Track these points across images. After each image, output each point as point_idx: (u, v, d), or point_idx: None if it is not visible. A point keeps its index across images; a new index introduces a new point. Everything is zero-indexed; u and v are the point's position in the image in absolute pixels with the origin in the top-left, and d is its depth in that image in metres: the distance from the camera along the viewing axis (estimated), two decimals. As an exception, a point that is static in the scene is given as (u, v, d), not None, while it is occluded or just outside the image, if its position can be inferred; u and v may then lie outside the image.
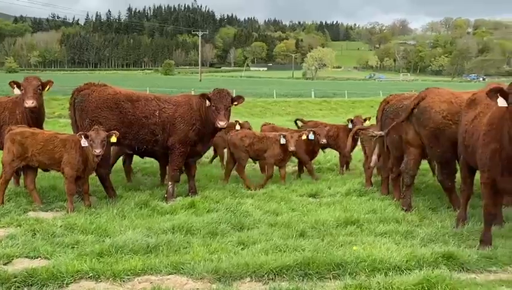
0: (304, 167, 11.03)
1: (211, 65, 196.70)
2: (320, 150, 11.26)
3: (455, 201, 7.76)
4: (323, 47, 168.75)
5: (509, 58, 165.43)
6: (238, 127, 11.43)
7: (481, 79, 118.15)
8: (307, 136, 10.30)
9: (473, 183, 7.35)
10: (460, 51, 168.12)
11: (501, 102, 5.32)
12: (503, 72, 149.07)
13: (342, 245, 6.15)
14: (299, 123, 12.46)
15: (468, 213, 7.23)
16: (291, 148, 9.56)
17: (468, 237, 6.52)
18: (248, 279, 5.26)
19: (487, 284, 5.06)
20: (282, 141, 9.66)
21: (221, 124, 8.36)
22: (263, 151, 9.97)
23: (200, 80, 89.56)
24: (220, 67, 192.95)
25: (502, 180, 5.73)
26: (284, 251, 5.88)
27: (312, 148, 10.77)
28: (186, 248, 6.09)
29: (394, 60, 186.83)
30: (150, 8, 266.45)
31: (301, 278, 5.22)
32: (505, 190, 5.87)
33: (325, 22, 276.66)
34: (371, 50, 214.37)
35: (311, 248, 5.96)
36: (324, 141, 10.45)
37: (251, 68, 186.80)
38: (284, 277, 5.25)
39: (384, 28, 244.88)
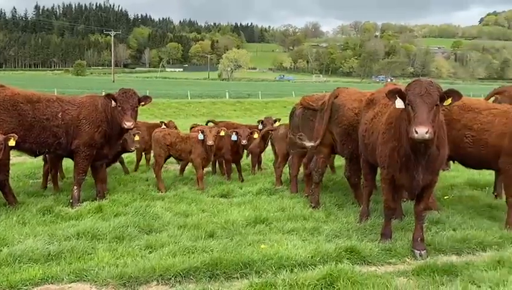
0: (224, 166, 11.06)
1: (125, 66, 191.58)
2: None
3: (360, 197, 8.06)
4: (238, 48, 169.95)
5: (413, 61, 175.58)
6: (163, 127, 11.36)
7: (389, 80, 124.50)
8: (230, 136, 10.32)
9: (375, 179, 7.71)
10: (368, 54, 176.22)
11: (399, 103, 5.59)
12: (407, 74, 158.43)
13: (250, 244, 6.19)
14: (210, 125, 12.44)
15: (370, 208, 7.56)
16: (210, 142, 9.44)
17: (371, 231, 6.79)
18: (154, 283, 5.16)
19: (386, 275, 5.29)
20: (200, 136, 9.54)
21: (128, 124, 8.12)
22: (187, 152, 9.84)
23: (113, 81, 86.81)
24: (135, 68, 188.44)
25: (401, 176, 6.02)
26: (193, 253, 5.83)
27: (236, 150, 10.79)
28: (90, 254, 5.85)
29: (307, 62, 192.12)
30: (59, 6, 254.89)
31: (208, 279, 5.20)
32: (403, 185, 6.17)
33: (240, 24, 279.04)
34: (285, 52, 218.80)
35: (219, 249, 5.95)
36: (245, 141, 10.49)
37: (167, 69, 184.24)
38: (191, 279, 5.20)
39: (297, 30, 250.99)
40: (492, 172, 8.78)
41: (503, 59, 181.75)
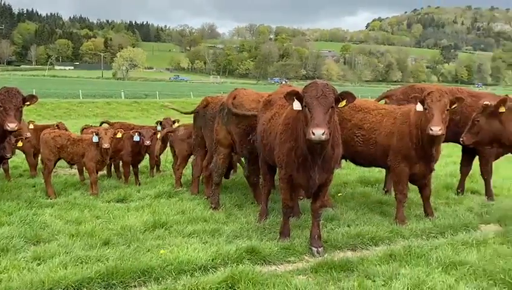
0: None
1: (9, 63, 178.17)
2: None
3: (259, 197, 8.12)
4: (134, 47, 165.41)
5: (305, 63, 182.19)
6: (31, 126, 10.55)
7: (283, 82, 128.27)
8: (131, 137, 9.91)
9: (273, 179, 7.81)
10: (263, 56, 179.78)
11: (296, 105, 5.68)
12: (300, 76, 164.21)
13: (149, 250, 5.98)
14: (105, 126, 11.90)
15: (269, 207, 7.64)
16: (105, 145, 8.98)
17: (270, 230, 6.86)
18: (44, 297, 4.78)
19: (286, 274, 5.36)
20: (95, 139, 9.03)
21: (11, 126, 7.50)
22: (80, 155, 9.26)
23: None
24: (20, 66, 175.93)
25: (298, 175, 6.13)
26: (86, 263, 5.50)
27: (138, 151, 10.38)
28: (-32, 270, 5.31)
29: (204, 63, 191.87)
30: None
31: (104, 289, 4.93)
32: (300, 184, 6.29)
33: (135, 22, 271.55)
34: (182, 52, 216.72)
35: (115, 257, 5.68)
36: (148, 142, 10.13)
37: (56, 67, 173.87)
38: (85, 291, 4.90)
39: (194, 31, 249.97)
40: (382, 169, 9.29)
41: (387, 62, 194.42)
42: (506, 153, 8.52)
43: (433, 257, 5.77)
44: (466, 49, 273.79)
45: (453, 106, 6.91)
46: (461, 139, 7.64)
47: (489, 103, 7.34)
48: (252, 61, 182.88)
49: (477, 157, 9.19)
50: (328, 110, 5.39)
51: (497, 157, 9.27)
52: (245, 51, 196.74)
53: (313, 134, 5.24)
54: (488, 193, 9.08)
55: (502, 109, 6.78)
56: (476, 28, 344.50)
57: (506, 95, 7.53)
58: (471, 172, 9.65)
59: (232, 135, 8.03)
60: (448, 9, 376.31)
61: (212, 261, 5.57)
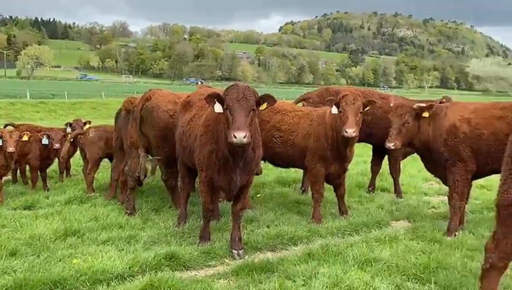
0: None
1: None
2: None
3: (177, 200, 7.94)
4: (39, 44, 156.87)
5: (220, 64, 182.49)
6: None
7: (199, 82, 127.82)
8: (40, 140, 9.30)
9: (193, 182, 7.68)
10: (178, 56, 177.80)
11: (217, 108, 5.61)
12: (216, 77, 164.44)
13: (60, 260, 5.64)
14: (10, 128, 11.12)
15: (188, 211, 7.50)
16: (10, 148, 8.35)
17: (189, 235, 6.73)
18: None
19: (207, 279, 5.27)
20: None
21: None
22: None
23: None
24: None
25: (219, 178, 6.06)
26: (-9, 277, 5.09)
27: (47, 155, 9.76)
28: None
29: (116, 62, 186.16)
30: None
31: (11, 305, 4.57)
32: (221, 187, 6.23)
33: (41, 19, 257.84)
34: (92, 50, 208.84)
35: (24, 268, 5.32)
36: (58, 145, 9.55)
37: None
38: (-11, 308, 4.52)
39: (104, 28, 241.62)
40: (298, 169, 9.46)
41: (299, 65, 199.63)
42: (413, 153, 8.99)
43: (350, 255, 5.94)
44: (372, 53, 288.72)
45: (366, 109, 7.17)
46: (391, 144, 7.11)
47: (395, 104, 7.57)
48: (166, 61, 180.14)
49: (386, 156, 9.64)
50: (249, 113, 5.38)
51: (404, 157, 9.80)
52: (159, 50, 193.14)
53: (235, 137, 5.20)
54: (397, 191, 9.56)
55: (426, 114, 7.03)
56: (382, 33, 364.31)
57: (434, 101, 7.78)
58: (380, 171, 10.10)
59: (148, 138, 7.80)
60: (356, 14, 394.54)
61: (129, 269, 5.36)
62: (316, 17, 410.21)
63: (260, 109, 5.73)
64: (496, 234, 4.35)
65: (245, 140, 5.22)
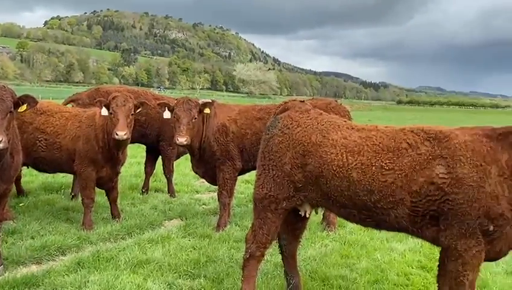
0: None
1: None
2: None
3: None
4: None
5: None
6: None
7: None
8: None
9: None
10: None
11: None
12: None
13: None
14: None
15: None
16: None
17: None
18: None
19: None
20: None
21: None
22: None
23: None
24: None
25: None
26: None
27: None
28: None
29: None
30: None
31: None
32: None
33: None
34: None
35: None
36: None
37: None
38: None
39: None
40: (67, 174, 8.92)
41: (68, 63, 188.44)
42: (186, 153, 9.28)
43: (122, 259, 5.86)
44: (145, 54, 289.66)
45: (138, 110, 7.14)
46: (183, 139, 6.96)
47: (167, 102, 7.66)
48: None
49: (160, 157, 9.78)
50: (6, 116, 4.86)
51: (178, 157, 10.07)
52: None
53: (-12, 143, 4.64)
54: (171, 190, 9.76)
55: (208, 111, 7.24)
56: (154, 34, 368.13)
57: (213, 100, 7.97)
58: (154, 171, 10.19)
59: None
60: (127, 13, 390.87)
61: None
62: (85, 13, 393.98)
63: (19, 110, 5.24)
64: (253, 225, 4.78)
65: (1, 145, 4.71)
